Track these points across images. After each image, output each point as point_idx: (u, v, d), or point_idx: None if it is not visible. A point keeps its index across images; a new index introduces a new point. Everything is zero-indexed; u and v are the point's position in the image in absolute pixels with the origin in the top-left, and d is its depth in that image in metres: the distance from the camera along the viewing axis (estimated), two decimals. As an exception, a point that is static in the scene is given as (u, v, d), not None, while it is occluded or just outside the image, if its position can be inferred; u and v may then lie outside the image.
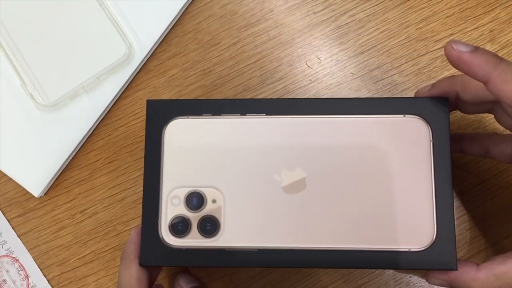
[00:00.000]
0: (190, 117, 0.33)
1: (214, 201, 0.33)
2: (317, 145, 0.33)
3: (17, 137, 0.41)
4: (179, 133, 0.33)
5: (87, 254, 0.41)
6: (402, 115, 0.33)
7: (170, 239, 0.33)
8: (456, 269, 0.31)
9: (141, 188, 0.41)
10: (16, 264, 0.41)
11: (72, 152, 0.41)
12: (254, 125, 0.33)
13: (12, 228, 0.41)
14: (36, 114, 0.41)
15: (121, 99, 0.42)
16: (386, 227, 0.32)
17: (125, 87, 0.42)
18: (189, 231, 0.33)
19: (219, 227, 0.32)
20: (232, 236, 0.32)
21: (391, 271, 0.39)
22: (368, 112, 0.33)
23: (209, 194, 0.33)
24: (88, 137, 0.42)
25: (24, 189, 0.41)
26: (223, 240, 0.32)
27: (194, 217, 0.33)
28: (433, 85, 0.33)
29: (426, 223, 0.32)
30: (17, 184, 0.41)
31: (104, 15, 0.42)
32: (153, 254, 0.32)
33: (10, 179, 0.41)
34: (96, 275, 0.41)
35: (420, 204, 0.32)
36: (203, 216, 0.33)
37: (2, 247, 0.41)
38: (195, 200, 0.33)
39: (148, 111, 0.34)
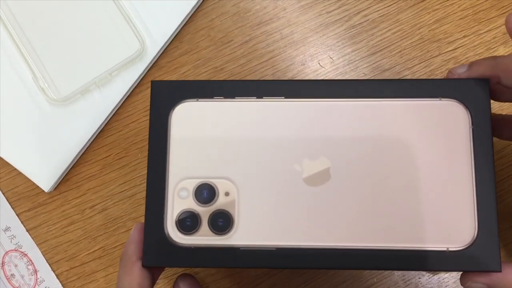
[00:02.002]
0: (200, 100, 0.30)
1: (227, 194, 0.29)
2: (342, 131, 0.29)
3: (28, 132, 0.41)
4: (188, 118, 0.30)
5: (96, 250, 0.41)
6: (437, 99, 0.29)
7: (177, 237, 0.29)
8: (500, 271, 0.27)
9: (152, 185, 0.41)
10: (25, 259, 0.41)
11: (83, 147, 0.41)
12: (272, 109, 0.30)
13: (21, 222, 0.41)
14: (47, 109, 0.41)
15: (133, 95, 0.42)
16: (420, 224, 0.28)
17: (137, 83, 0.42)
18: (198, 228, 0.29)
19: (233, 223, 0.29)
20: (247, 233, 0.29)
21: (400, 272, 0.40)
22: (400, 96, 0.29)
23: (221, 186, 0.29)
24: (99, 133, 0.42)
25: (34, 183, 0.41)
26: (237, 238, 0.29)
27: (204, 211, 0.29)
28: (471, 66, 0.29)
29: (466, 219, 0.28)
30: (27, 178, 0.41)
31: (117, 11, 0.41)
32: (157, 254, 0.29)
33: (20, 173, 0.41)
34: (105, 271, 0.41)
35: (459, 198, 0.29)
36: (214, 211, 0.29)
37: (11, 241, 0.41)
38: (206, 192, 0.29)
39: (153, 93, 0.30)
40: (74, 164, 0.42)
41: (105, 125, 0.42)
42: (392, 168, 0.29)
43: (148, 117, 0.42)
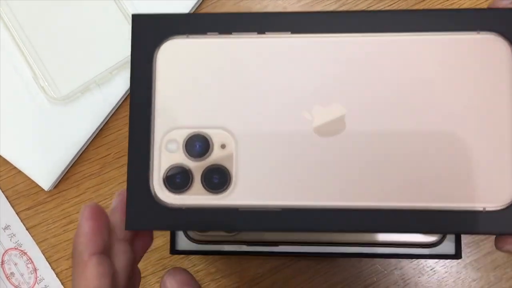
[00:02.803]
0: (190, 36, 0.25)
1: (223, 146, 0.25)
2: (360, 73, 0.25)
3: (28, 130, 0.41)
4: (177, 58, 0.25)
5: (96, 249, 0.41)
6: (475, 32, 0.25)
7: (166, 196, 0.25)
8: None
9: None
10: (25, 257, 0.41)
11: (83, 146, 0.41)
12: (277, 47, 0.25)
13: (21, 221, 0.41)
14: (47, 107, 0.41)
15: (133, 94, 0.42)
16: (452, 180, 0.24)
17: (136, 82, 0.42)
18: (190, 185, 0.25)
19: (230, 180, 0.25)
20: (247, 191, 0.25)
21: (399, 271, 0.40)
22: (428, 29, 0.25)
23: (216, 137, 0.25)
24: (99, 132, 0.42)
25: (33, 182, 0.41)
26: (235, 197, 0.25)
27: (196, 167, 0.25)
28: None
29: (506, 175, 0.24)
30: (27, 177, 0.41)
31: (117, 9, 0.42)
32: (142, 215, 0.25)
33: (20, 171, 0.41)
34: (104, 270, 0.41)
35: (497, 151, 0.24)
36: (208, 166, 0.25)
37: (11, 240, 0.41)
38: (198, 145, 0.25)
39: (134, 29, 0.26)
40: (74, 162, 0.42)
41: (105, 124, 0.42)
42: (418, 116, 0.25)
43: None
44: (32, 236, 0.41)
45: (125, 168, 0.41)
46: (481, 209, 0.24)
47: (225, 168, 0.25)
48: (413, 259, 0.39)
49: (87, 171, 0.42)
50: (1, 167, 0.41)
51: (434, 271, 0.40)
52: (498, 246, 0.26)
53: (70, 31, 0.42)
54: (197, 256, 0.40)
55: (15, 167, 0.41)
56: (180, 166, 0.25)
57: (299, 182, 0.25)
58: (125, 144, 0.42)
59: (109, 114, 0.41)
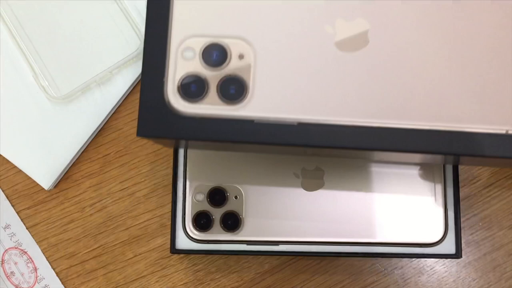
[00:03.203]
0: None
1: (241, 56, 0.25)
2: None
3: (28, 129, 0.41)
4: None
5: (96, 248, 0.41)
6: None
7: (180, 104, 0.24)
8: None
9: (153, 182, 0.41)
10: (25, 257, 0.41)
11: (83, 145, 0.41)
12: None
13: (21, 220, 0.41)
14: (47, 106, 0.41)
15: (133, 93, 0.42)
16: (476, 101, 0.23)
17: (137, 81, 0.42)
18: (205, 95, 0.25)
19: (247, 91, 0.24)
20: (263, 103, 0.24)
21: (399, 270, 0.40)
22: None
23: (234, 47, 0.25)
24: (99, 131, 0.42)
25: (34, 181, 0.41)
26: (251, 108, 0.24)
27: (213, 76, 0.25)
28: None
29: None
30: (27, 176, 0.41)
31: (118, 9, 0.41)
32: (155, 122, 0.24)
33: (20, 171, 0.41)
34: (105, 269, 0.41)
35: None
36: (225, 76, 0.25)
37: (11, 239, 0.41)
38: (216, 54, 0.25)
39: None
40: (74, 162, 0.42)
41: (106, 123, 0.42)
42: (443, 33, 0.23)
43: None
44: (32, 235, 0.41)
45: (125, 168, 0.41)
46: (503, 131, 0.24)
47: (242, 78, 0.24)
48: (413, 259, 0.39)
49: (87, 170, 0.42)
50: (1, 167, 0.41)
51: (434, 270, 0.40)
52: None
53: (71, 30, 0.42)
54: (197, 256, 0.40)
55: (15, 166, 0.41)
56: (195, 74, 0.25)
57: (317, 97, 0.24)
58: (125, 143, 0.42)
59: (109, 113, 0.41)
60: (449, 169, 0.35)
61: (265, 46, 0.24)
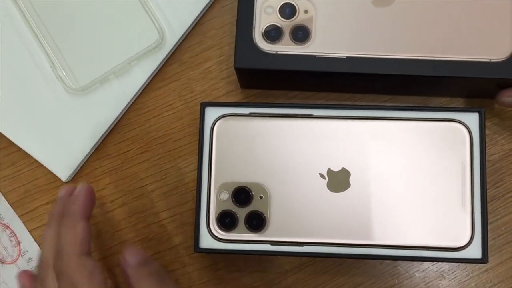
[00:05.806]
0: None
1: (306, 11, 0.36)
2: None
3: (45, 120, 0.41)
4: None
5: (115, 245, 0.41)
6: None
7: (263, 45, 0.36)
8: None
9: (173, 180, 0.41)
10: (8, 231, 0.40)
11: (101, 137, 0.41)
12: None
13: (2, 194, 0.41)
14: (65, 98, 0.41)
15: (154, 89, 0.42)
16: (467, 37, 0.35)
17: (155, 73, 0.42)
18: (281, 38, 0.36)
19: (310, 35, 0.36)
20: (322, 43, 0.36)
21: (421, 273, 0.39)
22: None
23: (301, 4, 0.36)
24: (120, 127, 0.41)
25: (53, 176, 0.41)
26: (314, 47, 0.36)
27: (286, 25, 0.36)
28: None
29: (506, 34, 0.35)
30: (47, 171, 0.40)
31: (136, 0, 0.41)
32: (248, 56, 0.36)
33: (40, 165, 0.41)
34: (124, 266, 0.40)
35: (499, 13, 0.35)
36: (295, 25, 0.36)
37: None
38: (288, 10, 0.36)
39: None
40: (95, 157, 0.41)
41: (127, 119, 0.41)
42: None
43: (169, 113, 0.42)
44: (14, 210, 0.41)
45: (146, 164, 0.41)
46: (488, 60, 0.35)
47: (307, 27, 0.36)
48: (435, 262, 0.39)
49: (107, 167, 0.41)
50: (22, 161, 0.41)
51: (455, 274, 0.39)
52: (496, 100, 0.37)
53: (89, 21, 0.41)
54: (217, 254, 0.40)
55: (35, 161, 0.41)
56: (274, 24, 0.36)
57: (359, 39, 0.36)
58: (146, 140, 0.41)
59: (127, 105, 0.41)
60: (477, 173, 0.34)
61: (325, 5, 0.36)
